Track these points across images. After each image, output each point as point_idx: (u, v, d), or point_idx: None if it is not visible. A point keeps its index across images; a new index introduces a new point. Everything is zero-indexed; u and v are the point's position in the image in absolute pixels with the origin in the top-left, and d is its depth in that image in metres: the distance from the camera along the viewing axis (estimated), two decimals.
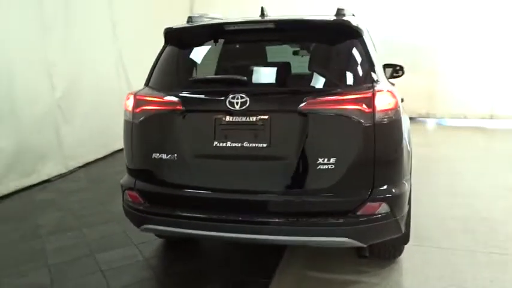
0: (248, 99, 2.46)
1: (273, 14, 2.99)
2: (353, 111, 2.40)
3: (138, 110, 2.72)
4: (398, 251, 3.12)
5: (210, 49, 2.92)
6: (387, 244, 2.95)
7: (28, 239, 3.79)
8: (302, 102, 2.41)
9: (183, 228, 2.62)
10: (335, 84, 2.59)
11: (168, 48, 2.92)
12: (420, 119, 9.42)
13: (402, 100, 2.71)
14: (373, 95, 2.42)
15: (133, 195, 2.76)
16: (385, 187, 2.50)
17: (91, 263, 3.30)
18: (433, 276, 2.98)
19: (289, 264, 3.17)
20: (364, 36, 2.70)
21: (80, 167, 6.03)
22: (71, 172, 5.81)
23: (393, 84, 3.23)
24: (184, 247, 3.52)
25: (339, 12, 2.79)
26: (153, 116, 2.69)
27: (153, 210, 2.67)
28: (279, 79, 2.69)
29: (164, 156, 2.62)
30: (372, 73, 2.60)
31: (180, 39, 2.88)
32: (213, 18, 3.11)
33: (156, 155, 2.65)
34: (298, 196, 2.48)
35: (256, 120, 2.48)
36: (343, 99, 2.43)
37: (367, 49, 2.66)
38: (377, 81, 2.58)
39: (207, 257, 3.47)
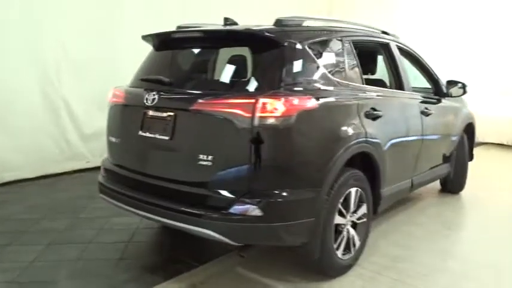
0: (157, 97, 2.84)
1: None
2: (232, 115, 2.52)
3: (110, 100, 3.36)
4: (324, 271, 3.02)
5: (162, 53, 3.34)
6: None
7: (88, 197, 4.82)
8: (194, 103, 2.67)
9: (117, 201, 3.13)
10: (233, 88, 2.74)
11: (150, 51, 3.47)
12: None
13: None
14: (257, 101, 2.50)
15: (102, 169, 3.42)
16: (263, 192, 2.55)
17: (102, 222, 4.10)
18: None
19: (229, 257, 3.35)
20: (284, 45, 2.73)
21: None
22: None
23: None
24: None
25: (277, 23, 2.89)
26: (114, 106, 3.29)
27: (105, 183, 3.27)
28: (190, 81, 2.97)
29: (113, 139, 3.21)
30: (279, 81, 2.64)
31: (153, 44, 3.39)
32: (197, 27, 3.50)
33: (110, 138, 3.26)
34: (180, 185, 2.73)
35: (166, 116, 2.83)
36: (226, 103, 2.57)
37: (284, 57, 2.71)
38: (282, 88, 2.61)
39: (185, 236, 3.84)
